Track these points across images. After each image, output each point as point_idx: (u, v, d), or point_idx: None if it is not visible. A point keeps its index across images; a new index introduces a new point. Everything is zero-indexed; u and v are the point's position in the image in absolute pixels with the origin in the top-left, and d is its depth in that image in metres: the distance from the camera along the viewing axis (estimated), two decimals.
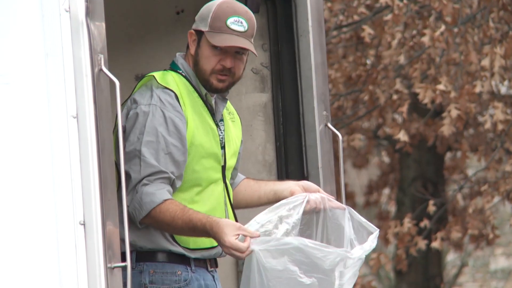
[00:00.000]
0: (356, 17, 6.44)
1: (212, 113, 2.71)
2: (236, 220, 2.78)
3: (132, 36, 3.32)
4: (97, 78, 2.49)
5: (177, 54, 2.73)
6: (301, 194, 2.65)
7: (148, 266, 2.64)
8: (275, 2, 3.21)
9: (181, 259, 2.65)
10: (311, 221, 2.63)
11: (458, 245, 8.49)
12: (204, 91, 2.69)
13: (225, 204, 2.73)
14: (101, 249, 2.45)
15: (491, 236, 6.62)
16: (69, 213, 2.48)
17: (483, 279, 12.44)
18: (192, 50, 2.67)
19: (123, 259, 2.48)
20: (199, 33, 2.66)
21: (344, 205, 2.66)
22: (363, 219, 2.62)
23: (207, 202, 2.68)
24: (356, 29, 6.50)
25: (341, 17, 6.54)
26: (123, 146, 2.56)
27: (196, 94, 2.69)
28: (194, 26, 2.68)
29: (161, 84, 2.65)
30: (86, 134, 2.48)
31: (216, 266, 2.75)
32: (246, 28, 2.65)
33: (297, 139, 3.15)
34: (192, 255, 2.66)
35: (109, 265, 2.46)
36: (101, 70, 2.49)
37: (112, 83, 2.49)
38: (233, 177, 2.83)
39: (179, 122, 2.63)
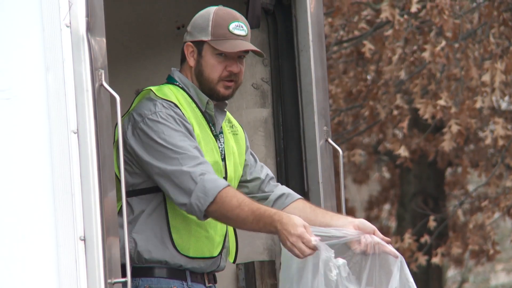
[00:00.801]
0: (356, 33, 6.47)
1: (212, 123, 2.72)
2: (235, 232, 2.76)
3: (133, 51, 3.32)
4: (97, 93, 2.49)
5: (172, 68, 2.74)
6: (353, 232, 2.57)
7: (144, 281, 2.63)
8: (275, 17, 3.22)
9: (177, 274, 2.63)
10: (359, 263, 2.56)
11: (458, 260, 8.48)
12: (205, 100, 2.69)
13: None
14: (101, 265, 2.45)
15: (491, 252, 6.62)
16: (69, 228, 2.48)
17: None
18: (191, 62, 2.68)
19: (124, 274, 2.48)
20: (199, 44, 2.66)
21: (398, 253, 2.57)
22: (410, 277, 2.54)
23: None
24: (356, 44, 6.53)
25: (341, 33, 6.57)
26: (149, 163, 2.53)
27: (194, 105, 2.70)
28: (190, 38, 2.68)
29: (158, 96, 2.66)
30: (86, 149, 2.48)
31: (215, 281, 2.73)
32: (246, 32, 2.68)
33: (297, 154, 3.14)
34: (189, 264, 2.64)
35: (109, 280, 2.45)
36: (101, 85, 2.50)
37: (112, 98, 2.50)
38: (268, 191, 2.75)
39: (188, 125, 2.64)
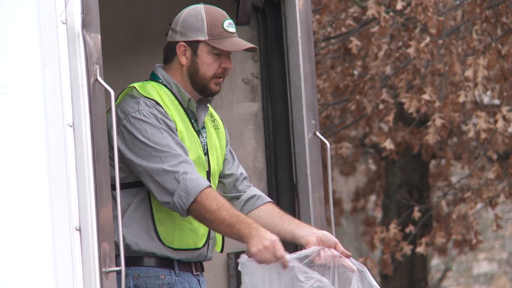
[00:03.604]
0: (343, 29, 6.49)
1: (194, 119, 2.76)
2: None
3: (127, 47, 3.34)
4: (92, 88, 2.53)
5: (156, 65, 2.78)
6: (314, 248, 2.61)
7: (133, 270, 2.67)
8: (265, 14, 3.24)
9: (165, 263, 2.67)
10: (321, 273, 2.60)
11: (442, 250, 8.59)
12: (187, 97, 2.73)
13: None
14: (96, 254, 2.49)
15: (474, 241, 6.70)
16: (65, 219, 2.53)
17: (466, 283, 12.57)
18: (184, 61, 2.72)
19: (118, 263, 2.53)
20: (193, 44, 2.71)
21: (354, 268, 2.60)
22: (374, 283, 2.59)
23: None
24: (343, 40, 6.57)
25: (329, 29, 6.61)
26: (132, 158, 2.58)
27: (177, 102, 2.74)
28: (182, 38, 2.72)
29: (141, 94, 2.70)
30: (82, 142, 2.53)
31: (202, 270, 2.77)
32: (236, 28, 2.75)
33: (286, 147, 3.18)
34: (176, 256, 2.68)
35: (104, 269, 2.50)
36: (96, 80, 2.54)
37: (107, 93, 2.54)
38: (241, 190, 2.81)
39: (171, 123, 2.68)
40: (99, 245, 2.51)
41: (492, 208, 6.35)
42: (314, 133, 3.16)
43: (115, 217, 2.61)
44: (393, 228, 6.63)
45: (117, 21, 3.31)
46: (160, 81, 2.75)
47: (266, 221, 2.79)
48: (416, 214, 6.73)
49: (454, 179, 8.33)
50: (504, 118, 5.73)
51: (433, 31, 5.66)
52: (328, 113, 7.04)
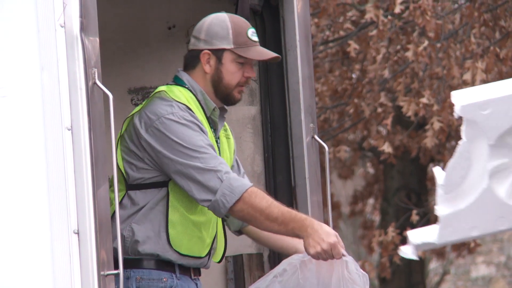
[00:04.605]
0: (342, 33, 6.53)
1: (214, 128, 2.78)
2: (225, 235, 2.83)
3: (125, 51, 3.34)
4: (91, 91, 2.54)
5: (179, 69, 2.77)
6: (299, 255, 2.65)
7: (135, 272, 2.67)
8: (263, 17, 3.25)
9: (167, 266, 2.69)
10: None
11: (440, 253, 8.61)
12: (212, 106, 2.75)
13: (216, 218, 2.78)
14: (95, 257, 2.50)
15: (472, 244, 6.72)
16: (63, 222, 2.53)
17: (464, 286, 12.59)
18: (208, 69, 2.72)
19: (116, 266, 2.54)
20: (218, 52, 2.71)
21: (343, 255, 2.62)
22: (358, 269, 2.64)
23: (206, 213, 2.72)
24: (342, 44, 6.59)
25: (327, 33, 6.63)
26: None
27: (201, 109, 2.75)
28: (207, 46, 2.71)
29: (173, 98, 2.70)
30: (80, 145, 2.53)
31: (199, 274, 2.79)
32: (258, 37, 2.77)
33: (284, 151, 3.19)
34: (179, 261, 2.70)
35: (102, 272, 2.51)
36: (95, 83, 2.55)
37: (105, 96, 2.55)
38: None
39: (203, 128, 2.70)
40: (97, 248, 2.51)
41: None
42: (312, 137, 3.17)
43: (129, 216, 2.62)
44: (391, 231, 6.64)
45: (115, 24, 3.32)
46: (186, 86, 2.75)
47: (256, 229, 2.79)
48: (414, 218, 6.75)
49: None
50: None
51: (431, 34, 5.68)
52: (327, 117, 7.05)
